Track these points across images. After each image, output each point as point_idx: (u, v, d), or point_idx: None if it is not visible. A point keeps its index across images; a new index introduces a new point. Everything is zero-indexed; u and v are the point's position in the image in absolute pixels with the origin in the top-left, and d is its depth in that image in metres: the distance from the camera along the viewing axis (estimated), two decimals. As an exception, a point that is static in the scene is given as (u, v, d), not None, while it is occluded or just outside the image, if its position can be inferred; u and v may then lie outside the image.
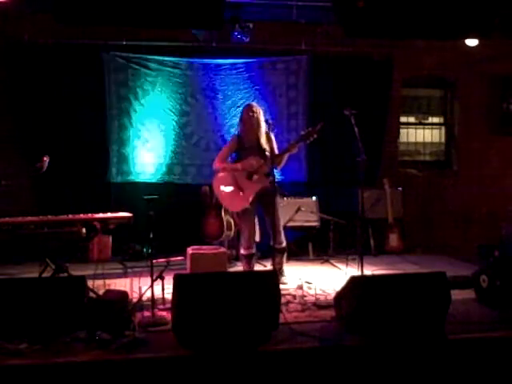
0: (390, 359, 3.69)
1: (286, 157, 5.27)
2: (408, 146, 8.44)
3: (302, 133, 5.19)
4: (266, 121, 6.34)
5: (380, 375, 3.64)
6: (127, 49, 7.14)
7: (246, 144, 5.31)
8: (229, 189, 5.35)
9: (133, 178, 7.30)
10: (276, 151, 5.32)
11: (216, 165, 5.54)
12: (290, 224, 6.69)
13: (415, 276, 4.63)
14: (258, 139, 5.24)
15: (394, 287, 4.05)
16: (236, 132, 5.67)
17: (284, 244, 5.38)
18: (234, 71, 7.44)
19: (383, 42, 7.43)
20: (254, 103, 5.49)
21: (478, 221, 8.05)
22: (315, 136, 5.06)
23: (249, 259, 5.33)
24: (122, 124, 7.27)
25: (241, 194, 5.24)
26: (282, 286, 5.06)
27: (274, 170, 5.18)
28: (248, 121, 5.26)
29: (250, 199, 5.18)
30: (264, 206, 5.23)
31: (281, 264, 5.38)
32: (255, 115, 5.26)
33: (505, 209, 8.04)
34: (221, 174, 5.47)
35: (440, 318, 3.99)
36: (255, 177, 5.21)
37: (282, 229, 5.40)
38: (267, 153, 5.17)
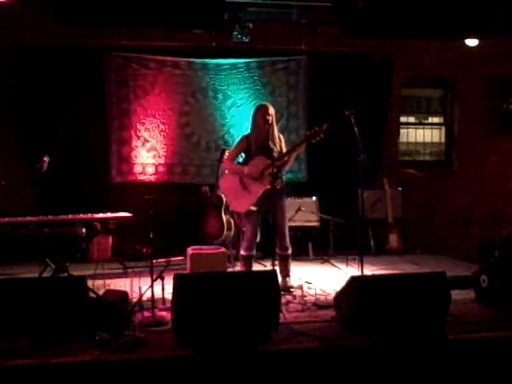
0: (389, 359, 3.69)
1: (292, 158, 5.15)
2: (408, 146, 8.44)
3: (308, 133, 5.05)
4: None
5: (380, 375, 3.64)
6: (127, 49, 7.14)
7: (255, 144, 5.19)
8: (235, 189, 5.29)
9: (133, 178, 7.30)
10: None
11: (225, 165, 5.66)
12: (290, 224, 6.66)
13: (415, 276, 4.63)
14: (267, 140, 5.09)
15: (393, 287, 4.05)
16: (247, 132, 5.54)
17: (289, 251, 5.24)
18: (234, 71, 7.44)
19: (383, 42, 7.44)
20: (269, 104, 5.27)
21: (478, 221, 8.05)
22: (322, 136, 4.90)
23: (248, 261, 5.27)
24: (122, 124, 7.27)
25: (246, 194, 5.19)
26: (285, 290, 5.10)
27: (281, 172, 5.15)
28: (263, 122, 5.10)
29: (255, 201, 5.13)
30: (270, 207, 5.14)
31: (286, 271, 5.26)
32: (270, 118, 5.11)
33: (505, 209, 8.05)
34: (228, 175, 5.46)
35: (440, 318, 3.99)
36: (261, 178, 5.12)
37: (287, 232, 5.24)
38: (275, 154, 5.03)
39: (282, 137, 5.34)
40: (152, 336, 3.87)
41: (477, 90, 8.17)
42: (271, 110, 5.17)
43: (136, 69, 7.23)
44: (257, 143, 5.17)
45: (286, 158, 5.10)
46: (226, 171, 5.52)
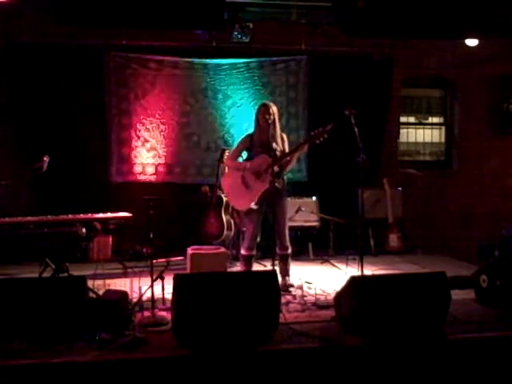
0: (389, 359, 3.69)
1: (295, 158, 5.15)
2: (408, 146, 8.44)
3: (312, 133, 5.05)
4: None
5: (380, 375, 3.64)
6: (127, 49, 7.14)
7: (257, 143, 5.20)
8: (236, 187, 5.29)
9: (133, 178, 7.30)
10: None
11: (226, 163, 5.70)
12: (290, 224, 6.64)
13: (415, 276, 4.63)
14: (269, 139, 5.04)
15: (393, 287, 4.05)
16: (250, 131, 5.53)
17: (289, 251, 5.25)
18: (234, 71, 7.44)
19: (383, 42, 7.44)
20: (271, 103, 5.28)
21: (477, 221, 8.05)
22: (325, 136, 4.91)
23: (248, 261, 5.27)
24: (122, 124, 7.27)
25: (248, 193, 5.19)
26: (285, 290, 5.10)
27: (283, 172, 5.15)
28: (263, 122, 5.10)
29: (256, 199, 5.13)
30: (270, 206, 5.14)
31: (285, 271, 5.26)
32: (271, 117, 5.09)
33: (505, 209, 8.05)
34: (230, 173, 5.46)
35: (440, 318, 3.99)
36: (262, 177, 5.13)
37: (287, 232, 5.24)
38: (277, 153, 5.04)
39: (284, 136, 5.32)
40: (152, 336, 3.87)
41: (477, 90, 8.17)
42: (272, 109, 5.15)
43: (136, 69, 7.24)
44: (259, 142, 5.18)
45: (288, 158, 5.10)
46: (227, 169, 5.53)
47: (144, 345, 3.69)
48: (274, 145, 5.05)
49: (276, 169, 4.95)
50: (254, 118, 5.29)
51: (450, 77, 8.24)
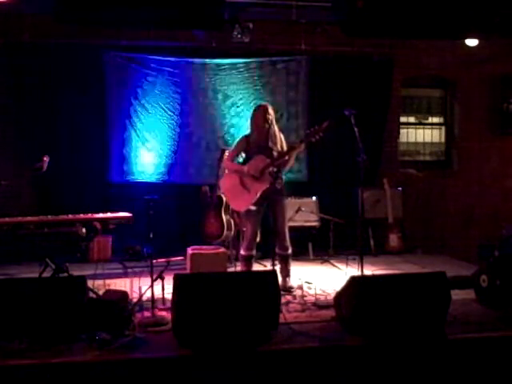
0: (390, 359, 3.69)
1: (292, 158, 5.14)
2: (408, 146, 8.44)
3: (307, 131, 5.07)
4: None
5: (380, 375, 3.64)
6: (127, 49, 7.14)
7: (254, 144, 5.20)
8: (235, 189, 5.29)
9: (133, 177, 7.30)
10: None
11: (225, 164, 5.71)
12: (290, 224, 6.64)
13: (415, 276, 4.63)
14: (267, 140, 5.09)
15: (393, 287, 4.05)
16: (247, 132, 5.55)
17: (289, 251, 5.25)
18: (234, 71, 7.44)
19: (383, 42, 7.45)
20: (268, 104, 5.30)
21: (477, 221, 8.05)
22: (321, 135, 4.90)
23: (248, 261, 5.27)
24: (122, 124, 7.26)
25: (246, 194, 5.20)
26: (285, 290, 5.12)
27: (282, 172, 5.13)
28: (261, 122, 5.11)
29: (254, 200, 5.13)
30: (269, 207, 5.14)
31: (286, 271, 5.27)
32: (269, 118, 5.11)
33: (505, 209, 8.06)
34: (229, 174, 5.46)
35: (440, 318, 3.99)
36: (260, 177, 5.12)
37: (287, 232, 5.25)
38: (275, 153, 5.06)
39: (282, 136, 5.33)
40: (152, 336, 3.87)
41: (477, 90, 8.17)
42: (271, 110, 5.18)
43: (136, 69, 7.24)
44: (257, 143, 5.18)
45: (285, 157, 5.10)
46: (226, 171, 5.53)
47: (144, 345, 3.69)
48: (272, 145, 5.06)
49: (274, 169, 4.96)
50: (250, 119, 5.29)
51: (450, 77, 8.24)
